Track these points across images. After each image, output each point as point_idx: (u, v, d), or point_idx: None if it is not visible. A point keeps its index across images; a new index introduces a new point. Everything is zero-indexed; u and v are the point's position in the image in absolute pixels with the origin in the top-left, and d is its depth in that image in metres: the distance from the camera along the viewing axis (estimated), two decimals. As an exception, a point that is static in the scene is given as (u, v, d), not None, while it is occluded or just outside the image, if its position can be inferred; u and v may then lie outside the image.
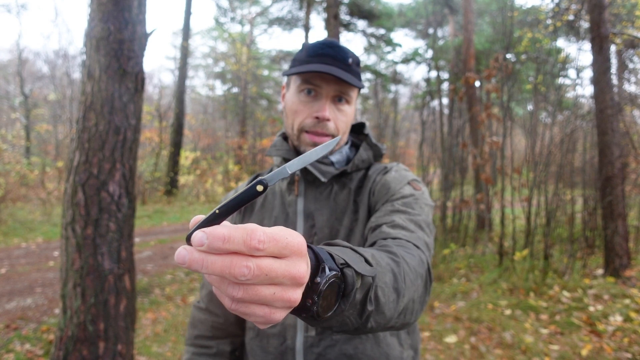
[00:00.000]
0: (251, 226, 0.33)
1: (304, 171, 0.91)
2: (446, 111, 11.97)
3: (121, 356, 2.25)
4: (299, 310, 0.43)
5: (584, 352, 2.97)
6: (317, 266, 0.42)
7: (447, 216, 6.81)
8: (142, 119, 2.51)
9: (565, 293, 4.13)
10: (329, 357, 0.84)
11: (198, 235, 0.33)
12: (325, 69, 0.83)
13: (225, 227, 0.33)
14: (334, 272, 0.43)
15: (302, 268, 0.36)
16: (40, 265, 5.41)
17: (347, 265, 0.46)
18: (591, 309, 3.68)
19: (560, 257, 5.24)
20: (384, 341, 0.87)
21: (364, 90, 19.15)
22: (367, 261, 0.51)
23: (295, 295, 0.37)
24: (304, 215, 0.90)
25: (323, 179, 0.89)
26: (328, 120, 0.87)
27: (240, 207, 0.37)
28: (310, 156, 0.40)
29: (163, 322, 3.77)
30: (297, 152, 0.93)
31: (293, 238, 0.36)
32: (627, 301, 3.74)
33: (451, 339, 3.35)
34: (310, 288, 0.41)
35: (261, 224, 0.90)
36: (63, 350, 2.17)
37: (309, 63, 0.87)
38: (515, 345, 3.17)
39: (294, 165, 0.40)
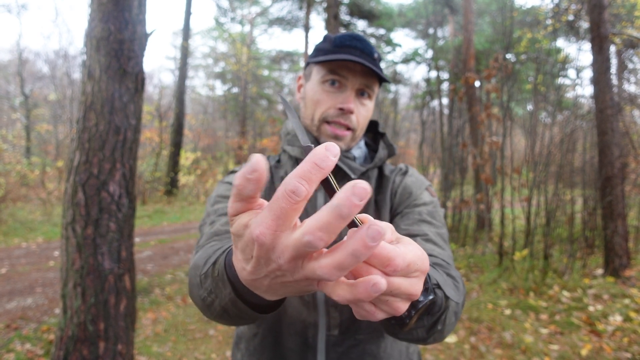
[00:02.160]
0: (391, 252, 0.32)
1: None
2: (446, 111, 11.97)
3: (121, 356, 2.25)
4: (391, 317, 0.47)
5: (584, 352, 2.97)
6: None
7: (447, 216, 6.82)
8: (142, 119, 2.51)
9: (565, 293, 4.13)
10: (352, 356, 0.82)
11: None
12: (356, 59, 0.81)
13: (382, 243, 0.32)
14: (432, 296, 0.48)
15: (420, 288, 0.37)
16: (41, 265, 5.41)
17: (439, 286, 0.52)
18: (591, 308, 3.68)
19: (560, 257, 5.24)
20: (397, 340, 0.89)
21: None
22: (455, 286, 0.58)
23: (403, 307, 0.37)
24: None
25: (353, 176, 0.87)
26: (352, 112, 0.85)
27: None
28: None
29: (163, 322, 3.77)
30: (318, 144, 0.88)
31: (423, 263, 0.37)
32: (626, 301, 3.74)
33: (451, 338, 3.35)
34: (411, 303, 0.45)
35: None
36: (63, 350, 2.17)
37: (335, 53, 0.84)
38: (515, 345, 3.18)
39: None
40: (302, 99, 0.93)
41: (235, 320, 0.56)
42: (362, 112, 0.87)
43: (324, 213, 0.28)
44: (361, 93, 0.87)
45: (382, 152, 0.94)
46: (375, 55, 0.86)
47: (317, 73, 0.88)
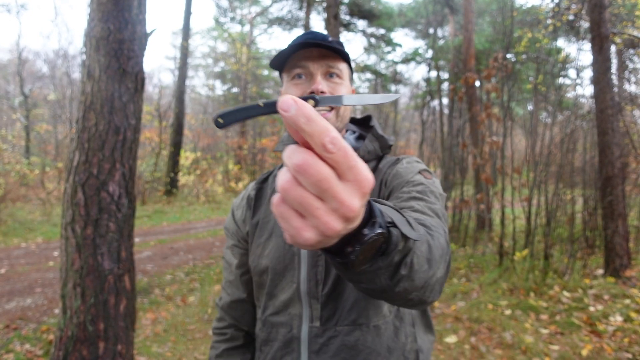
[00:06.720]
0: (328, 125, 0.32)
1: None
2: (446, 111, 11.97)
3: (121, 356, 2.25)
4: (335, 254, 0.43)
5: (584, 352, 2.96)
6: (368, 219, 0.42)
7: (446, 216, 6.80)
8: (142, 118, 2.51)
9: (566, 293, 4.12)
10: (332, 347, 0.85)
11: (289, 101, 0.32)
12: (308, 40, 0.84)
13: (312, 109, 0.32)
14: (381, 231, 0.42)
15: (356, 204, 0.34)
16: (40, 266, 5.41)
17: (394, 225, 0.46)
18: (591, 309, 3.67)
19: (561, 257, 5.23)
20: (385, 333, 0.86)
21: (364, 91, 19.12)
22: (410, 225, 0.51)
23: (335, 225, 0.34)
24: None
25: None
26: (323, 92, 0.84)
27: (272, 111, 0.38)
28: (368, 99, 0.41)
29: (163, 322, 3.77)
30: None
31: (364, 170, 0.33)
32: (627, 301, 3.74)
33: (451, 339, 3.34)
34: (355, 237, 0.41)
35: (270, 217, 0.95)
36: (63, 350, 2.17)
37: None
38: (516, 345, 3.17)
39: (352, 99, 0.43)
40: None
41: None
42: (338, 90, 0.87)
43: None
44: (329, 75, 0.87)
45: (369, 144, 0.94)
46: (330, 39, 0.87)
47: (285, 77, 0.91)
